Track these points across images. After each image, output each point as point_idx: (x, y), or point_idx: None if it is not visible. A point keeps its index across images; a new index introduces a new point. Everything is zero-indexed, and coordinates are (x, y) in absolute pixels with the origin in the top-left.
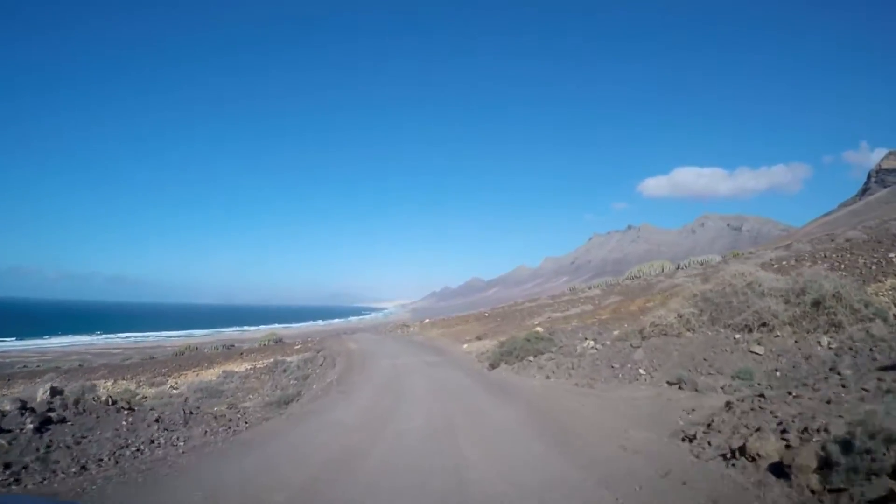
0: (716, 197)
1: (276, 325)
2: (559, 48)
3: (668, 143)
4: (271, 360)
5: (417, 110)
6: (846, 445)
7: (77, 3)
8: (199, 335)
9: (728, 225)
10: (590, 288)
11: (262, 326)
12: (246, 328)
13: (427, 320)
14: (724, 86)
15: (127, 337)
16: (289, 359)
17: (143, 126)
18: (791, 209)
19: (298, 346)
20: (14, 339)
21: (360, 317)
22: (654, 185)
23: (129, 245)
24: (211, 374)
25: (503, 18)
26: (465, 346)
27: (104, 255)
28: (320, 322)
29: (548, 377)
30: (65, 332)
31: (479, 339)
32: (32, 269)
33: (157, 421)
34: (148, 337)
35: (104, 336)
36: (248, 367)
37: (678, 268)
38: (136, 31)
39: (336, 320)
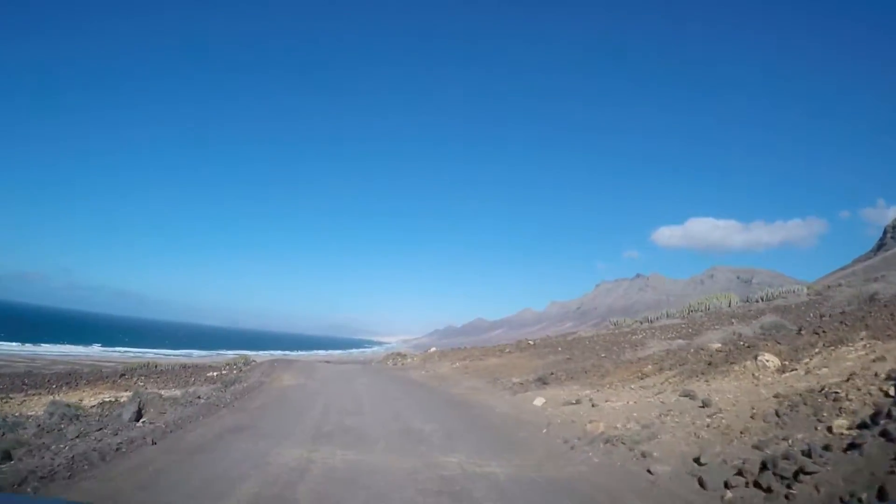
0: (728, 249)
1: (277, 352)
2: (578, 93)
3: (683, 192)
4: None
5: (432, 147)
6: None
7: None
8: (197, 355)
9: (738, 277)
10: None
11: (262, 352)
12: (247, 352)
13: (433, 349)
14: (745, 137)
15: (125, 351)
16: (162, 392)
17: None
18: (805, 264)
19: (213, 374)
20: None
21: (361, 349)
22: (667, 235)
23: (136, 261)
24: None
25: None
26: (538, 401)
27: (112, 268)
28: (320, 352)
29: None
30: (62, 342)
31: (545, 383)
32: (39, 275)
33: None
34: (146, 353)
35: (101, 348)
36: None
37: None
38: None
39: (337, 351)
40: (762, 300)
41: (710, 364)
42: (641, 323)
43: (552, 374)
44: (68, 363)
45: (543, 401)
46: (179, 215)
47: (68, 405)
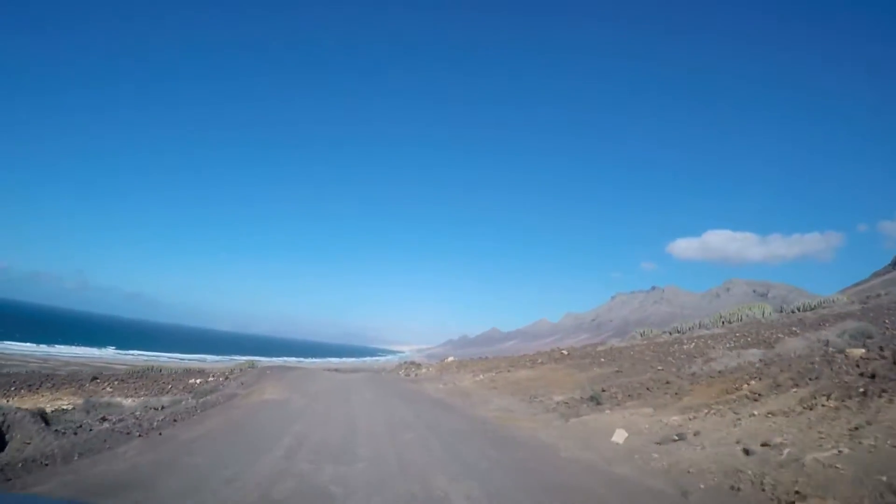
0: (745, 262)
1: (291, 358)
2: (595, 103)
3: (701, 204)
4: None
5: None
6: None
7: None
8: (210, 360)
9: (754, 291)
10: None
11: (275, 358)
12: (261, 358)
13: (451, 359)
14: (763, 149)
15: (139, 354)
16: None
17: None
18: (821, 278)
19: (196, 382)
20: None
21: (375, 358)
22: (684, 247)
23: (149, 264)
24: None
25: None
26: (618, 435)
27: (124, 270)
28: (333, 359)
29: None
30: (76, 343)
31: (599, 403)
32: (52, 276)
33: None
34: (160, 357)
35: (115, 351)
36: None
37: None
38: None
39: (350, 359)
40: (800, 310)
41: (872, 378)
42: (671, 334)
43: (604, 390)
44: (82, 364)
45: (625, 434)
46: (194, 219)
47: None
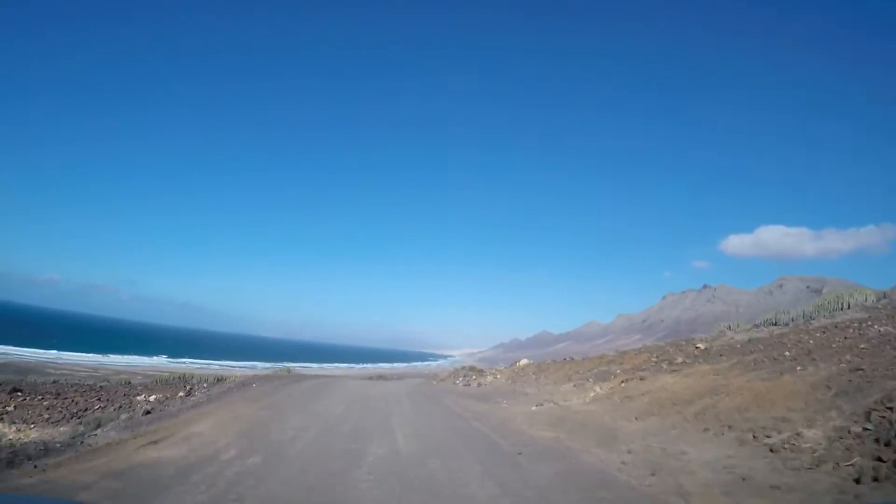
0: (799, 258)
1: (341, 365)
2: (642, 100)
3: (754, 199)
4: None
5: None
6: None
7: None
8: (261, 367)
9: (808, 287)
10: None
11: (326, 364)
12: (309, 364)
13: (524, 361)
14: (816, 141)
15: (191, 362)
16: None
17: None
18: (876, 272)
19: (149, 399)
20: (84, 353)
21: (426, 363)
22: (736, 244)
23: (199, 274)
24: None
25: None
26: None
27: (176, 281)
28: (384, 365)
29: None
30: (129, 352)
31: None
32: (109, 288)
33: None
34: (211, 364)
35: (167, 359)
36: None
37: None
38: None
39: (401, 364)
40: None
41: None
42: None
43: None
44: (131, 373)
45: None
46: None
47: None
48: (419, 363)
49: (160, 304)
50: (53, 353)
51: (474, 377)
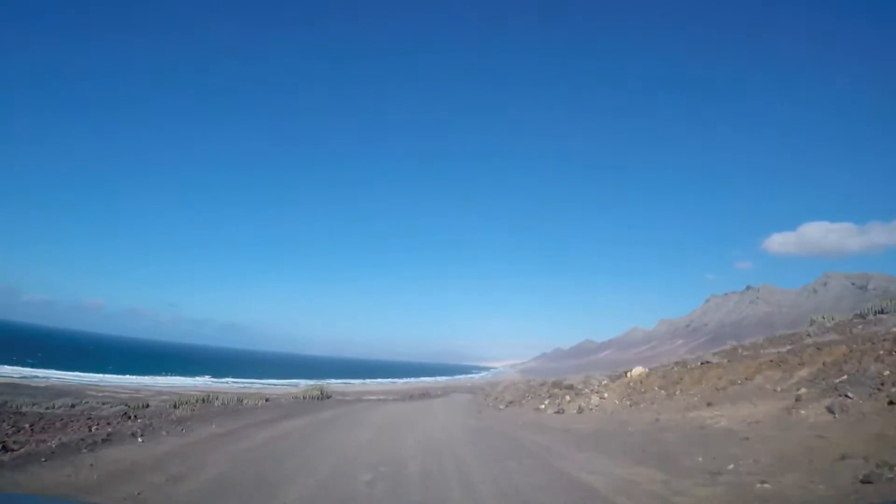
0: (844, 254)
1: (384, 380)
2: (685, 106)
3: (797, 195)
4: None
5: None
6: None
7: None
8: (304, 384)
9: (853, 284)
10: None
11: (368, 380)
12: (351, 381)
13: (639, 370)
14: (855, 132)
15: (235, 382)
16: None
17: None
18: None
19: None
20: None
21: (469, 375)
22: (780, 242)
23: (241, 294)
24: None
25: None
26: None
27: (217, 302)
28: (426, 378)
29: None
30: (175, 374)
31: None
32: (150, 311)
33: None
34: (254, 383)
35: (210, 379)
36: None
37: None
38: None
39: (443, 378)
40: None
41: None
42: None
43: None
44: (172, 392)
45: None
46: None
47: None
48: (462, 376)
49: (200, 325)
50: (98, 376)
51: (568, 399)
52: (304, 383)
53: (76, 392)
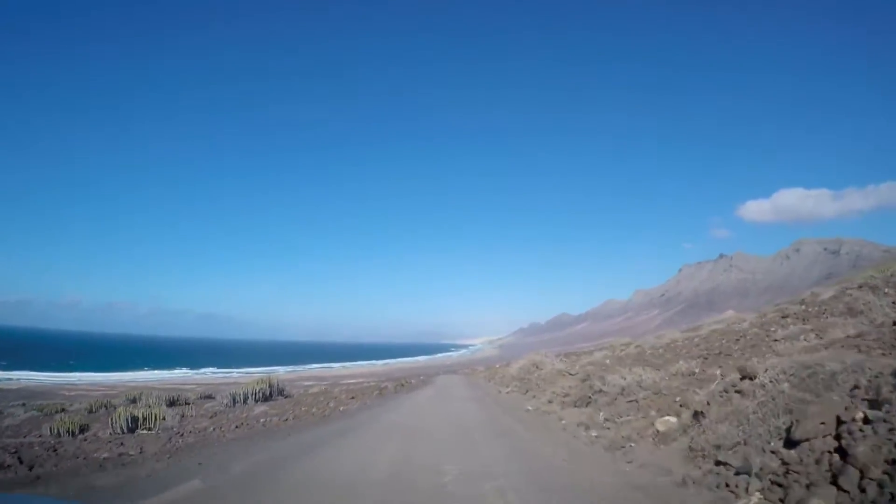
0: (820, 220)
1: (363, 362)
2: (657, 75)
3: (770, 161)
4: None
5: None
6: None
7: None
8: (282, 371)
9: (825, 249)
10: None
11: (348, 363)
12: (331, 365)
13: (666, 335)
14: (830, 97)
15: (215, 372)
16: None
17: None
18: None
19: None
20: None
21: (448, 353)
22: (754, 210)
23: (219, 284)
24: None
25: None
26: None
27: (195, 292)
28: (406, 359)
29: None
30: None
31: None
32: (127, 304)
33: None
34: (231, 373)
35: (188, 371)
36: None
37: None
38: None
39: (422, 357)
40: None
41: None
42: None
43: None
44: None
45: None
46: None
47: None
48: (440, 354)
49: (179, 316)
50: (75, 375)
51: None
52: (281, 370)
53: (48, 393)
